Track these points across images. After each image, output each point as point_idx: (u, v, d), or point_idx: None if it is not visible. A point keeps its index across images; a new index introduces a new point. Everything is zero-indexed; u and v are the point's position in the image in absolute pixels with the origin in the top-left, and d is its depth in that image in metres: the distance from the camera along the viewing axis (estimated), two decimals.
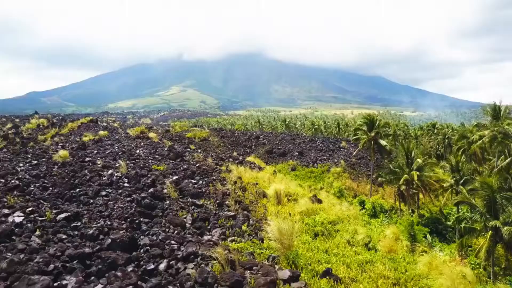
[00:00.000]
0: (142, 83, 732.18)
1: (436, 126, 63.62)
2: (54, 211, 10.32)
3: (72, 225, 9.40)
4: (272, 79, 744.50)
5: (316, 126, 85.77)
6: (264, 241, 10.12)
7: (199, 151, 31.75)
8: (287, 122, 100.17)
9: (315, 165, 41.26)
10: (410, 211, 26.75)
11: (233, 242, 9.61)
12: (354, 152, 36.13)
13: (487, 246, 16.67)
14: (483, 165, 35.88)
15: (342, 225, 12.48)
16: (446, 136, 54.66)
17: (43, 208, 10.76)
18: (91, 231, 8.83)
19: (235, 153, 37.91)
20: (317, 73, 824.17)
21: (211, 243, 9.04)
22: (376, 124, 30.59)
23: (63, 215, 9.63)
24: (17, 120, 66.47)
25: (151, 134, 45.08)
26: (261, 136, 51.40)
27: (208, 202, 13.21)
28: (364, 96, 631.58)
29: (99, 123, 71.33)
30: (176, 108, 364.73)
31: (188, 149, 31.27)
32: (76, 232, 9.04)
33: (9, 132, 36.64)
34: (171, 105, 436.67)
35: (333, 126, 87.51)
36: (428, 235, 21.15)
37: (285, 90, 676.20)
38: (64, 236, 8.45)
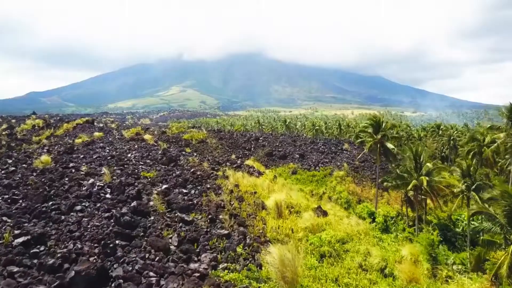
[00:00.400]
0: (142, 83, 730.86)
1: (441, 127, 62.00)
2: (16, 232, 8.78)
3: (32, 251, 7.83)
4: (272, 79, 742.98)
5: (317, 127, 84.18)
6: (263, 267, 8.57)
7: (195, 154, 30.18)
8: (287, 123, 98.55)
9: (317, 168, 39.58)
10: (431, 228, 25.11)
11: (226, 271, 8.06)
12: (359, 156, 34.42)
13: (509, 261, 15.07)
14: (494, 169, 34.36)
15: (352, 244, 10.91)
16: (452, 138, 53.06)
17: (4, 227, 9.21)
18: (51, 261, 7.26)
19: (233, 156, 36.27)
20: (317, 73, 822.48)
21: (198, 275, 7.48)
22: (383, 126, 28.84)
23: (21, 239, 8.07)
24: (13, 120, 64.97)
25: (146, 136, 43.54)
26: (260, 138, 49.61)
27: (199, 217, 11.64)
28: (364, 97, 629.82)
29: (95, 124, 69.83)
30: (175, 108, 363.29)
31: (184, 153, 29.71)
32: (35, 261, 7.47)
33: (3, 133, 35.18)
34: (171, 105, 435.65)
35: (334, 127, 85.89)
36: (441, 247, 19.60)
37: (285, 90, 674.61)
38: (16, 269, 6.88)
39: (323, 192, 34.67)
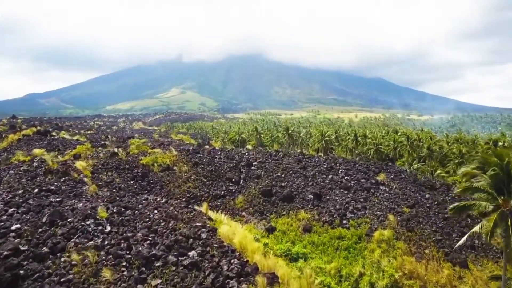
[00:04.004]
0: (142, 84, 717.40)
1: (499, 143, 47.03)
2: None
3: None
4: (272, 80, 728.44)
5: (326, 138, 69.20)
6: None
7: (111, 230, 15.14)
8: (290, 131, 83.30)
9: (343, 221, 24.02)
10: None
11: None
12: (462, 240, 16.02)
13: None
14: None
15: None
16: None
17: None
18: None
19: (203, 207, 21.35)
20: (317, 74, 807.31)
21: None
22: None
23: None
24: None
25: (80, 164, 28.44)
26: (254, 163, 33.75)
27: None
28: (366, 99, 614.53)
29: (52, 133, 54.67)
30: (173, 110, 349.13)
31: (90, 222, 14.85)
32: None
33: None
34: (170, 107, 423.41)
35: (349, 139, 70.75)
36: None
37: (286, 92, 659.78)
38: None
39: (360, 273, 19.92)
